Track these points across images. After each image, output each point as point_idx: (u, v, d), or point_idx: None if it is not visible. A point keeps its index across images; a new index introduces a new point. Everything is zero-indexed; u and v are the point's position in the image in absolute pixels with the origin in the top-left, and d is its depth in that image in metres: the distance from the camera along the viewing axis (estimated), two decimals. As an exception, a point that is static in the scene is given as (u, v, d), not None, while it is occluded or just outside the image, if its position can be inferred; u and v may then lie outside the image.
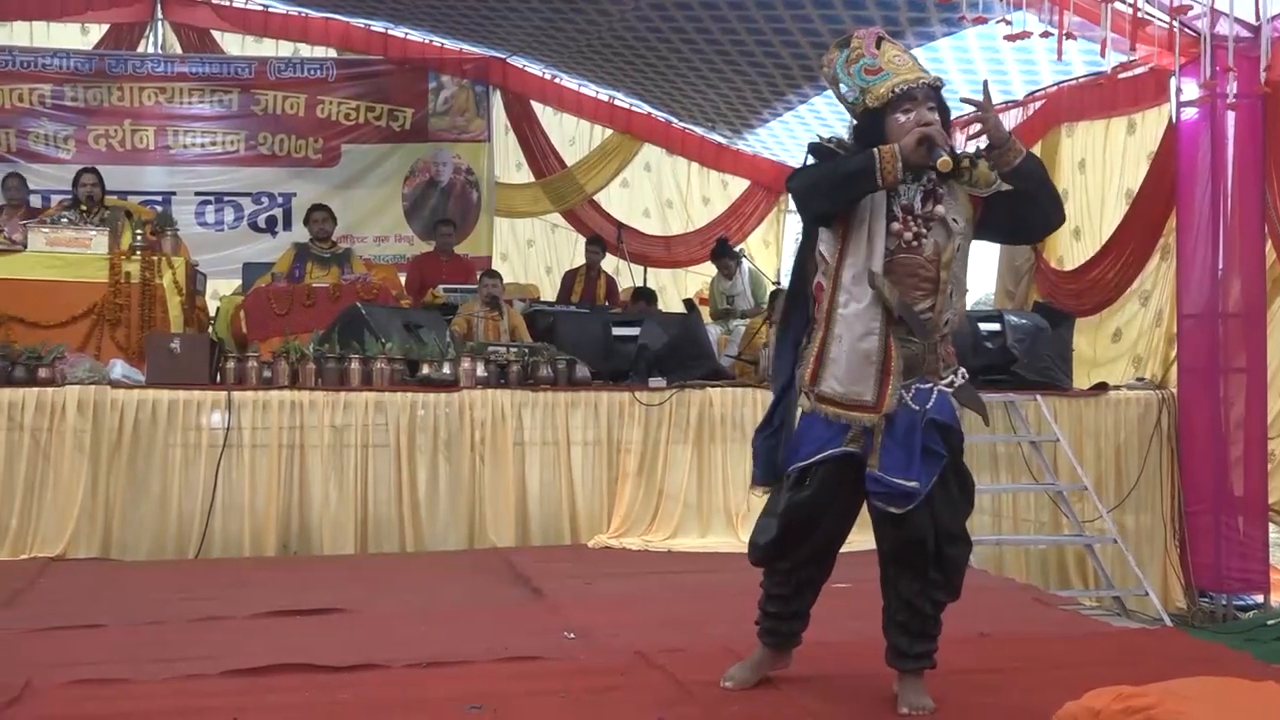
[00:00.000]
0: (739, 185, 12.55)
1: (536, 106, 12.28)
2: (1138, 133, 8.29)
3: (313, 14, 11.88)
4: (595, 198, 12.22)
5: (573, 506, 6.75)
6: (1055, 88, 9.00)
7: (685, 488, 6.85)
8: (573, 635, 4.39)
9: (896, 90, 3.25)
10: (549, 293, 11.11)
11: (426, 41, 12.07)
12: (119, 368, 6.54)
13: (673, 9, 9.15)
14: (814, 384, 3.34)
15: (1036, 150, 8.88)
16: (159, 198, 11.18)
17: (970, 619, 4.02)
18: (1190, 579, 7.40)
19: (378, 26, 11.98)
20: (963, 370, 3.41)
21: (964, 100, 3.32)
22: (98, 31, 11.72)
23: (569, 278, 10.86)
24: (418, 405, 6.59)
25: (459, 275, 9.91)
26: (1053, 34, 6.94)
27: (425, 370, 6.82)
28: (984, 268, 10.00)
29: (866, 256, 3.27)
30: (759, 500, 3.62)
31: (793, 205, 3.21)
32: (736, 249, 10.94)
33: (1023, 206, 3.31)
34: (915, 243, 3.29)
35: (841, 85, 3.38)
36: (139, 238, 7.46)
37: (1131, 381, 7.91)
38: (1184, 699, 2.63)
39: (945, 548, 3.31)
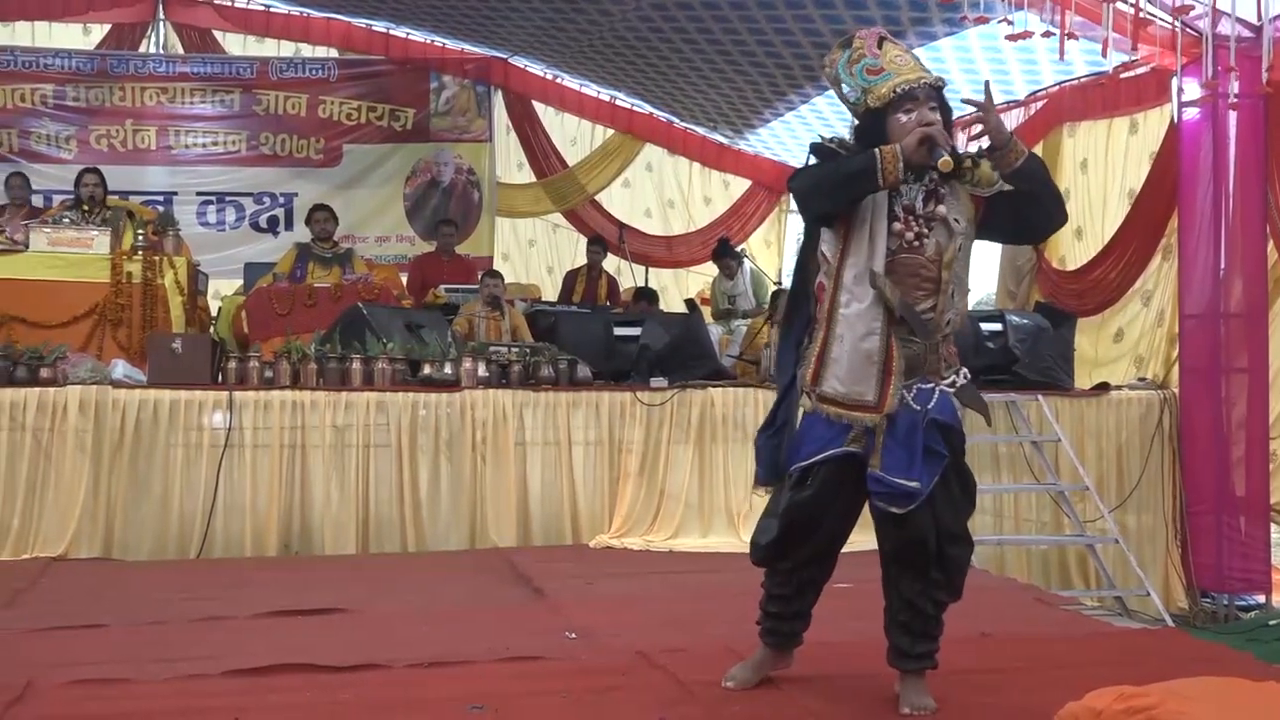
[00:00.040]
0: (740, 185, 12.55)
1: (538, 106, 12.29)
2: (1139, 132, 8.29)
3: (314, 14, 11.89)
4: (597, 198, 12.23)
5: (574, 506, 6.75)
6: (1057, 88, 9.00)
7: (687, 488, 6.85)
8: (574, 635, 4.39)
9: (898, 90, 3.26)
10: (550, 293, 11.12)
11: (428, 42, 12.07)
12: (120, 368, 6.54)
13: (674, 9, 9.15)
14: (815, 384, 3.34)
15: (1038, 150, 8.86)
16: (160, 198, 11.20)
17: (972, 619, 4.02)
18: (1192, 579, 7.39)
19: (379, 26, 11.99)
20: (964, 370, 3.41)
21: (965, 101, 3.32)
22: (99, 31, 11.73)
23: (570, 278, 10.86)
24: (419, 405, 6.59)
25: (460, 275, 9.91)
26: (1054, 34, 6.94)
27: (427, 370, 6.82)
28: (985, 268, 10.01)
29: (868, 256, 3.27)
30: (760, 500, 3.62)
31: (794, 205, 3.22)
32: (738, 249, 10.95)
33: (1024, 207, 3.31)
34: (917, 243, 3.29)
35: (843, 85, 3.38)
36: (141, 238, 7.46)
37: (1133, 381, 7.90)
38: (1186, 699, 2.63)
39: (947, 548, 3.31)
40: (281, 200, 11.66)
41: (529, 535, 6.67)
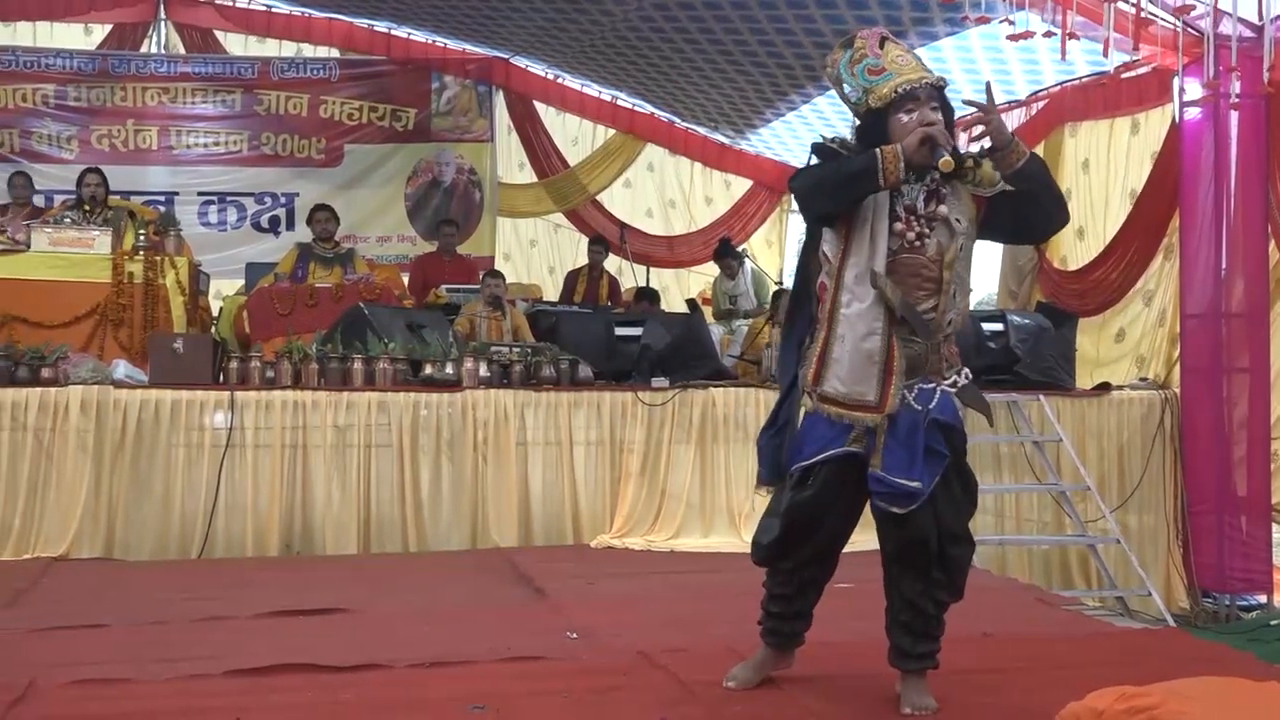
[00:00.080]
0: (742, 185, 12.55)
1: (539, 106, 12.29)
2: (1141, 132, 8.28)
3: (315, 14, 11.89)
4: (598, 198, 12.23)
5: (575, 506, 6.75)
6: (1058, 87, 9.00)
7: (688, 488, 6.85)
8: (575, 635, 4.39)
9: (899, 90, 3.26)
10: (552, 293, 11.11)
11: (429, 42, 12.08)
12: (122, 368, 6.55)
13: (676, 9, 9.15)
14: (817, 384, 3.34)
15: (1040, 150, 8.88)
16: (162, 198, 11.20)
17: (973, 619, 4.02)
18: (1193, 579, 7.39)
19: (380, 27, 11.99)
20: (966, 370, 3.41)
21: (967, 103, 3.32)
22: (101, 32, 11.74)
23: (572, 278, 10.86)
24: (420, 405, 6.59)
25: (462, 275, 9.91)
26: (1056, 34, 6.94)
27: (428, 370, 6.82)
28: (987, 268, 10.01)
29: (869, 256, 3.27)
30: (762, 500, 3.62)
31: (795, 205, 3.22)
32: (739, 249, 10.95)
33: (1026, 207, 3.30)
34: (918, 243, 3.29)
35: (845, 85, 3.38)
36: (142, 238, 7.46)
37: (1135, 381, 7.90)
38: (1187, 699, 2.63)
39: (948, 548, 3.31)
40: (283, 200, 11.67)
41: (530, 535, 6.67)
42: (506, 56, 12.05)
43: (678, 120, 12.27)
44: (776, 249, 12.80)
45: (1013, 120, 9.30)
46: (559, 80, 12.19)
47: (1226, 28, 6.98)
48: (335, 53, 12.05)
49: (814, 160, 3.40)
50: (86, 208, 7.98)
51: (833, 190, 3.30)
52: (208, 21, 11.87)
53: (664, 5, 9.12)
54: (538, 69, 12.15)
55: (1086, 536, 7.13)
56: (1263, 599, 7.23)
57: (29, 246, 7.21)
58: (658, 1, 9.09)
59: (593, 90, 12.15)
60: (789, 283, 10.23)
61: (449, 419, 6.61)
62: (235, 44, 12.00)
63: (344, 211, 9.71)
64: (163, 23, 11.83)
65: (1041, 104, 9.22)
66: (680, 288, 12.32)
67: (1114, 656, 4.15)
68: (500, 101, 12.27)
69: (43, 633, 4.42)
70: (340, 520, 6.40)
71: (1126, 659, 4.07)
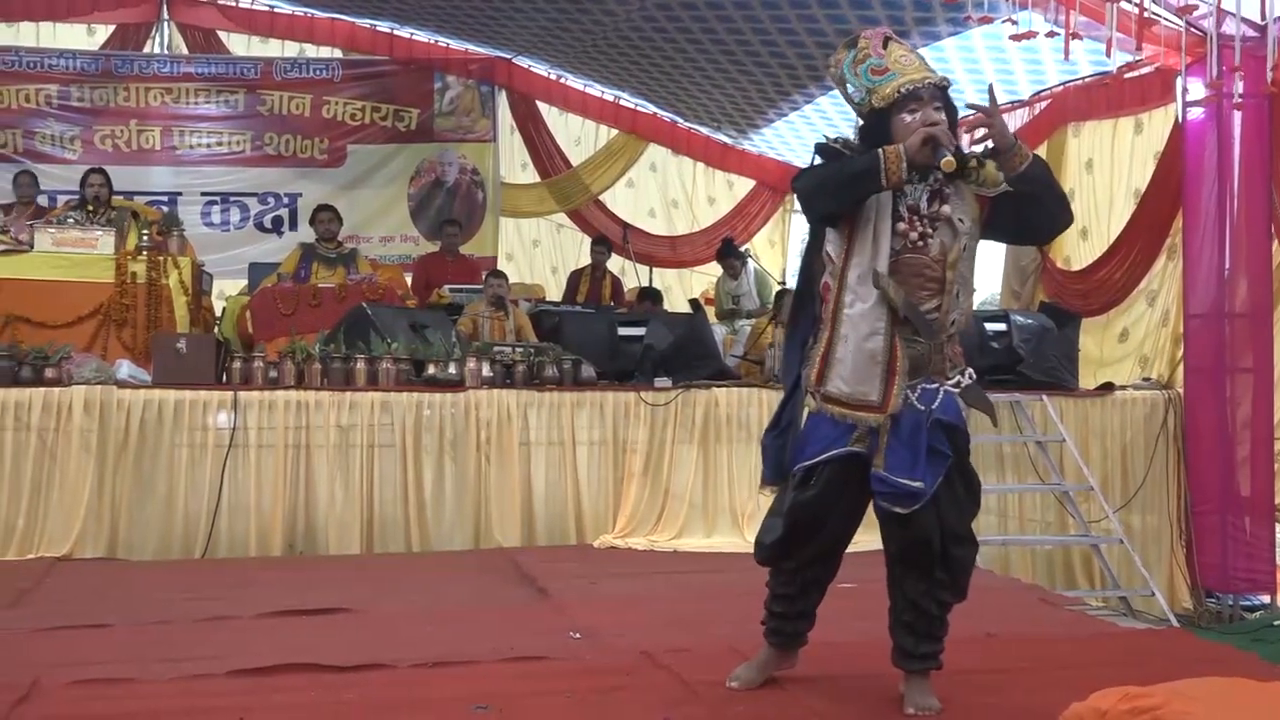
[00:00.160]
0: (744, 185, 12.54)
1: (542, 106, 12.28)
2: (1145, 132, 8.28)
3: (318, 14, 11.89)
4: (601, 198, 12.22)
5: (578, 506, 6.75)
6: (1061, 87, 8.98)
7: (691, 488, 6.85)
8: (578, 635, 4.40)
9: (902, 90, 3.26)
10: (554, 293, 11.11)
11: (432, 42, 12.08)
12: (125, 368, 6.55)
13: (678, 9, 9.15)
14: (820, 384, 3.35)
15: (1043, 150, 8.89)
16: (165, 198, 11.20)
17: (976, 619, 4.01)
18: (1196, 579, 7.38)
19: (383, 27, 11.99)
20: (970, 370, 3.41)
21: (970, 106, 3.32)
22: (104, 32, 11.74)
23: (574, 278, 10.85)
24: (423, 405, 6.60)
25: (464, 275, 9.91)
26: (1058, 34, 6.94)
27: (431, 370, 6.82)
28: (990, 268, 10.00)
29: (872, 256, 3.27)
30: (765, 500, 3.62)
31: (798, 205, 3.21)
32: (742, 249, 10.94)
33: (1029, 208, 3.30)
34: (921, 243, 3.29)
35: (848, 85, 3.38)
36: (145, 238, 7.47)
37: (1138, 381, 7.89)
38: (1190, 699, 2.62)
39: (951, 548, 3.31)
40: (286, 200, 11.67)
41: (533, 535, 6.67)
42: (509, 56, 12.05)
43: (680, 120, 12.27)
44: (779, 249, 12.79)
45: (1016, 120, 9.29)
46: (561, 80, 12.19)
47: (1229, 27, 6.98)
48: (338, 53, 12.05)
49: (817, 160, 3.40)
50: (90, 208, 7.99)
51: (835, 190, 3.30)
52: (210, 22, 11.87)
53: (666, 5, 9.12)
54: (540, 69, 12.15)
55: (1090, 537, 7.13)
56: (1266, 599, 7.22)
57: (32, 247, 7.22)
58: (660, 1, 9.08)
59: (595, 90, 12.15)
60: (792, 283, 10.24)
61: (452, 419, 6.61)
62: (238, 44, 12.00)
63: (347, 212, 9.71)
64: (165, 23, 11.83)
65: (1044, 104, 9.21)
66: (683, 288, 12.31)
67: (1117, 657, 4.15)
68: (503, 101, 12.26)
69: (46, 632, 4.42)
70: (343, 520, 6.41)
71: (1130, 659, 4.07)
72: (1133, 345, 8.31)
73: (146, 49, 11.74)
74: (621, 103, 12.20)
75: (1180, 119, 7.57)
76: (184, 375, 6.48)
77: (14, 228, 7.48)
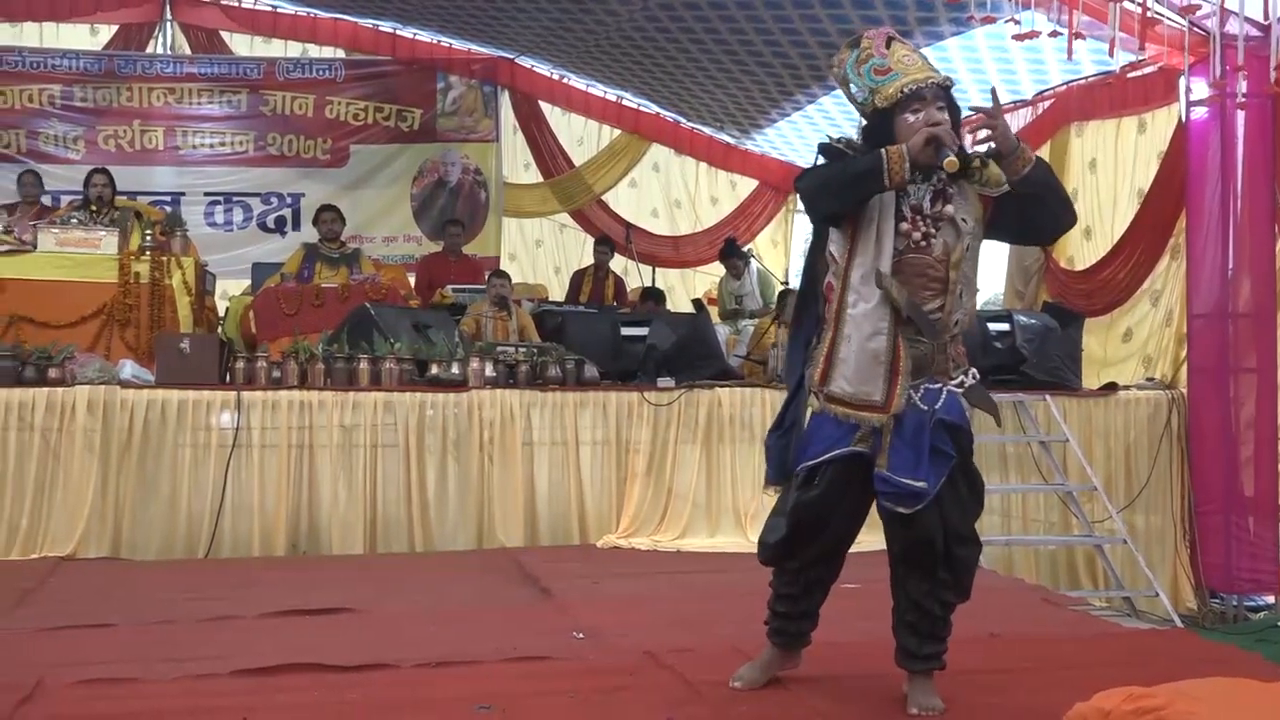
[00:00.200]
0: (747, 185, 12.53)
1: (545, 107, 12.28)
2: (1148, 132, 8.27)
3: (321, 14, 11.89)
4: (603, 198, 12.21)
5: (581, 506, 6.76)
6: (1064, 87, 8.97)
7: (694, 488, 6.85)
8: (581, 635, 4.40)
9: (905, 90, 3.25)
10: (557, 293, 11.11)
11: (435, 42, 12.07)
12: (128, 368, 6.56)
13: (681, 9, 9.15)
14: (823, 384, 3.35)
15: (1046, 150, 8.89)
16: (168, 198, 11.20)
17: (980, 619, 4.01)
18: (1200, 580, 7.37)
19: (386, 27, 11.99)
20: (973, 370, 3.40)
21: (974, 109, 3.31)
22: (107, 32, 11.73)
23: (577, 278, 10.85)
24: (426, 405, 6.60)
25: (467, 275, 9.91)
26: (1061, 33, 6.93)
27: (434, 370, 6.83)
28: (993, 268, 10.00)
29: (875, 256, 3.27)
30: (768, 500, 3.62)
31: (801, 205, 3.21)
32: (745, 249, 10.94)
33: (1032, 210, 3.30)
34: (924, 243, 3.29)
35: (851, 85, 3.38)
36: (148, 238, 7.47)
37: (1141, 381, 7.88)
38: (1194, 700, 2.62)
39: (954, 548, 3.31)
40: (289, 200, 11.67)
41: (536, 535, 6.67)
42: (512, 56, 12.05)
43: (683, 120, 12.27)
44: (782, 249, 12.79)
45: (1019, 120, 9.28)
46: (564, 80, 12.18)
47: (1233, 27, 6.96)
48: (341, 53, 12.04)
49: (820, 160, 3.40)
50: (93, 208, 8.00)
51: (838, 190, 3.30)
52: (213, 22, 11.87)
53: (669, 5, 9.12)
54: (543, 69, 12.15)
55: (1093, 537, 7.12)
56: (1270, 599, 7.21)
57: (36, 247, 7.23)
58: (663, 1, 9.08)
59: (598, 90, 12.15)
60: (795, 283, 10.24)
61: (455, 419, 6.61)
62: (241, 44, 12.00)
63: (350, 212, 9.72)
64: (168, 23, 11.83)
65: (1047, 104, 9.20)
66: (686, 288, 12.31)
67: (1121, 657, 4.14)
68: (505, 101, 12.26)
69: (50, 632, 4.43)
70: (346, 520, 6.41)
71: (1134, 659, 4.06)
72: (1136, 345, 8.30)
73: (149, 49, 11.74)
74: (624, 103, 12.20)
75: (1183, 119, 7.56)
76: (187, 375, 6.48)
77: (18, 228, 7.49)
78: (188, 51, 11.81)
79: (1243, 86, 7.04)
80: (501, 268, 10.24)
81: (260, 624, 4.62)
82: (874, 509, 3.39)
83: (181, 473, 6.28)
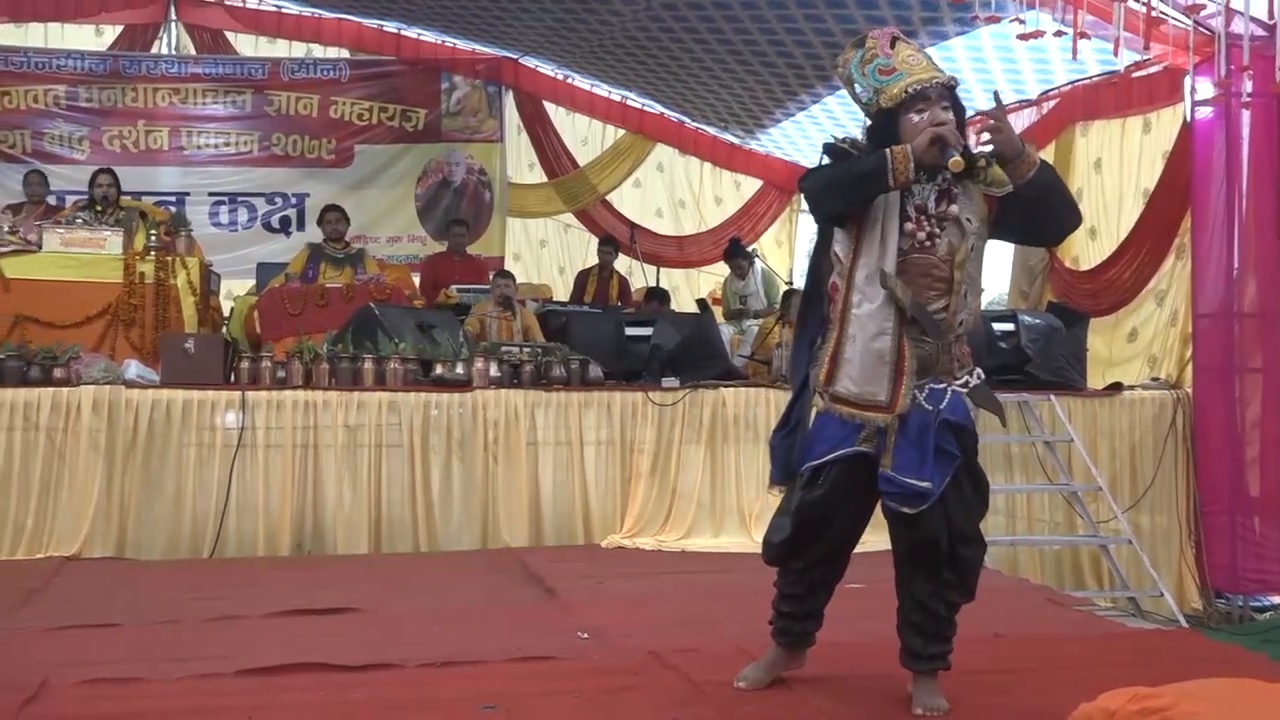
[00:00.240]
0: (752, 185, 12.54)
1: (549, 107, 12.28)
2: (1153, 132, 8.25)
3: (325, 15, 11.90)
4: (608, 198, 12.22)
5: (586, 506, 6.76)
6: (1069, 87, 8.97)
7: (698, 488, 6.85)
8: (586, 635, 4.40)
9: (910, 90, 3.25)
10: (562, 293, 11.12)
11: (439, 42, 12.08)
12: (134, 368, 6.57)
13: (685, 9, 9.15)
14: (829, 384, 3.34)
15: (1051, 149, 8.88)
16: (173, 198, 11.21)
17: (985, 620, 4.01)
18: (1206, 580, 7.36)
19: (390, 27, 12.00)
20: (978, 370, 3.40)
21: (980, 114, 3.31)
22: (112, 33, 11.75)
23: (582, 278, 10.86)
24: (431, 405, 6.60)
25: (472, 275, 9.92)
26: (1066, 33, 6.92)
27: (439, 370, 6.83)
28: (998, 267, 9.98)
29: (879, 256, 3.27)
30: (773, 500, 3.62)
31: (805, 205, 3.22)
32: (749, 249, 10.94)
33: (1037, 212, 3.30)
34: (929, 243, 3.28)
35: (856, 85, 3.38)
36: (153, 238, 7.48)
37: (1147, 381, 7.87)
38: (1200, 700, 2.61)
39: (959, 548, 3.31)
40: (293, 200, 11.68)
41: (541, 535, 6.67)
42: (516, 57, 12.05)
43: (687, 120, 12.27)
44: (786, 249, 12.79)
45: (1024, 120, 9.28)
46: (568, 80, 12.19)
47: (1238, 26, 6.96)
48: (345, 53, 12.06)
49: (825, 160, 3.40)
50: (98, 208, 8.01)
51: (843, 190, 3.30)
52: (218, 22, 11.89)
53: (673, 5, 9.12)
54: (547, 69, 12.15)
55: (1098, 537, 7.11)
56: (1276, 600, 7.21)
57: (41, 247, 7.23)
58: (667, 1, 9.08)
59: (602, 90, 12.15)
60: (799, 283, 10.21)
61: (459, 419, 6.61)
62: (245, 45, 12.01)
63: (354, 212, 9.72)
64: (173, 24, 11.84)
65: (1052, 103, 9.19)
66: (690, 288, 12.30)
67: (1126, 657, 4.14)
68: (510, 102, 12.27)
69: (55, 632, 4.43)
70: (351, 520, 6.42)
71: (1139, 660, 4.06)
72: (1141, 345, 8.29)
73: (154, 49, 11.75)
74: (629, 103, 12.20)
75: (1188, 118, 7.56)
76: (192, 375, 6.49)
77: (23, 228, 7.49)
78: (192, 52, 11.83)
79: (1248, 86, 7.05)
80: (506, 268, 10.27)
81: (265, 624, 4.63)
82: (879, 509, 3.39)
83: (186, 472, 6.29)
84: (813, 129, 11.33)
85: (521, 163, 12.42)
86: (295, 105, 11.70)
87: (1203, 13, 6.94)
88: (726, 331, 9.19)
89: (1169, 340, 7.99)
